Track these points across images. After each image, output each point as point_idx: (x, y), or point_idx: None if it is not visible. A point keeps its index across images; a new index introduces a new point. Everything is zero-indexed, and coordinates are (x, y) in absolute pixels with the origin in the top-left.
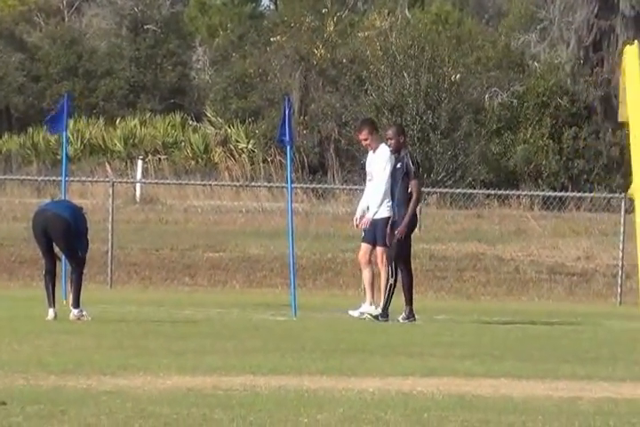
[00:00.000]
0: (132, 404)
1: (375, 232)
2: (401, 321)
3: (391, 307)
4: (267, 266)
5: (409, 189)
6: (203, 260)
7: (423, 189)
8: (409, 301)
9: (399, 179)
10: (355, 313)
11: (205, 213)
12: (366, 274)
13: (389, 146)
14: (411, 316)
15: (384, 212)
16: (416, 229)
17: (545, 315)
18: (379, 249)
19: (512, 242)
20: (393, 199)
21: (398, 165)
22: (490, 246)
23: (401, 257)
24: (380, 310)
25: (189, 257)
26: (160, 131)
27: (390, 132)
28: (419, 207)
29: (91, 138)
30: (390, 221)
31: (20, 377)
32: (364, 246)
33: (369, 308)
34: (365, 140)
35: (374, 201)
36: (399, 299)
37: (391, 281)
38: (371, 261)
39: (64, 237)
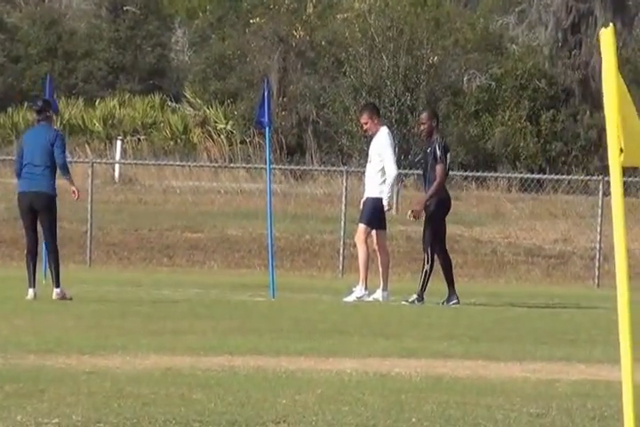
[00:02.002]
0: (110, 383)
1: (364, 210)
2: (447, 304)
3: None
4: (245, 247)
5: (435, 173)
6: (181, 240)
7: (401, 170)
8: (451, 283)
9: (430, 163)
10: (350, 298)
11: (184, 194)
12: (361, 254)
13: (422, 130)
14: (453, 299)
15: (374, 192)
16: (393, 211)
17: (523, 297)
18: (359, 226)
19: (490, 224)
20: (425, 183)
21: (428, 150)
22: (467, 228)
23: (437, 241)
24: (363, 292)
25: (168, 237)
26: (139, 112)
27: (424, 117)
28: (396, 188)
29: (70, 118)
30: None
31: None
32: (361, 227)
33: (361, 290)
34: (365, 124)
35: (372, 181)
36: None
37: (427, 267)
38: (366, 242)
39: (49, 213)
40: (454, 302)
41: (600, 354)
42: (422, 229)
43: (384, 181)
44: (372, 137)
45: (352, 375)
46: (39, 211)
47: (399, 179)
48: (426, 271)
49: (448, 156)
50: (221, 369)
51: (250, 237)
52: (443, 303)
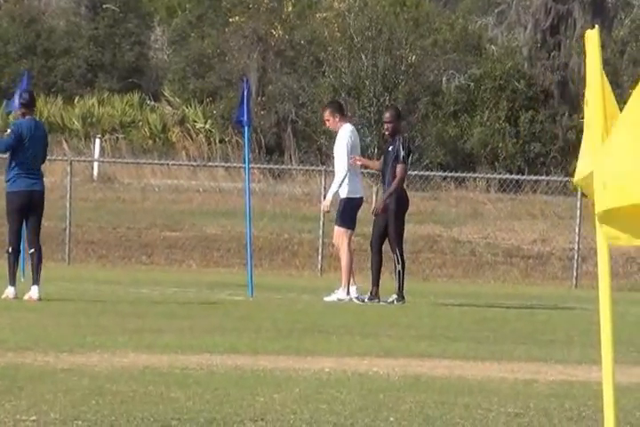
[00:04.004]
0: (88, 381)
1: (337, 211)
2: (389, 301)
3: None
4: (223, 246)
5: (396, 172)
6: (160, 239)
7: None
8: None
9: (390, 162)
10: (330, 298)
11: (162, 193)
12: (343, 257)
13: (386, 129)
14: (374, 298)
15: (343, 192)
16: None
17: (501, 297)
18: (335, 229)
19: (468, 224)
20: (384, 181)
21: (390, 148)
22: (446, 228)
23: (400, 239)
24: (345, 296)
25: (146, 236)
26: (118, 110)
27: (388, 116)
28: (375, 188)
29: (49, 116)
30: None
31: None
32: (336, 229)
33: (342, 293)
34: (327, 120)
35: (334, 181)
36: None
37: (399, 267)
38: (349, 244)
39: (41, 211)
40: (371, 298)
41: (578, 355)
42: (383, 229)
43: (349, 180)
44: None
45: (330, 374)
46: (33, 209)
47: (378, 179)
48: (399, 271)
49: (410, 156)
50: (199, 368)
51: (228, 236)
52: (392, 302)
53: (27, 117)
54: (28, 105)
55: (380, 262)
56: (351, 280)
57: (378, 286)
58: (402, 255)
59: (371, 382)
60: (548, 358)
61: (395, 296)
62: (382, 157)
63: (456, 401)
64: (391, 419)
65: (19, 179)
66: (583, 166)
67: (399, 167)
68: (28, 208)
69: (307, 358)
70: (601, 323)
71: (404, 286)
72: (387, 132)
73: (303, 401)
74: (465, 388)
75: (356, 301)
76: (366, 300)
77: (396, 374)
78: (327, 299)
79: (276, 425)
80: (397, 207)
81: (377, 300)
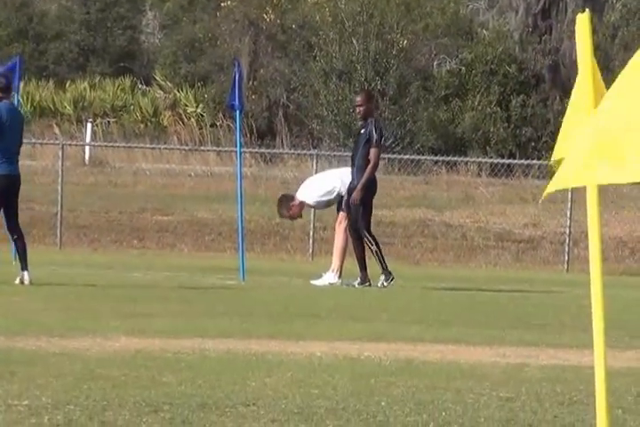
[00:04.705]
0: (80, 365)
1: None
2: (379, 285)
3: (344, 270)
4: (215, 230)
5: (369, 156)
6: (151, 223)
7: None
8: (338, 263)
9: (361, 145)
10: (319, 282)
11: (154, 177)
12: (340, 241)
13: (359, 112)
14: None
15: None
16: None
17: (492, 281)
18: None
19: (460, 208)
20: (353, 165)
21: (362, 131)
22: (437, 213)
23: (367, 222)
24: (336, 279)
25: (138, 220)
26: (109, 94)
27: (359, 99)
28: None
29: (41, 100)
30: (348, 188)
31: None
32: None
33: (334, 276)
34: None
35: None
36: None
37: (374, 248)
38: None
39: (18, 196)
40: (361, 282)
41: (569, 339)
42: (351, 213)
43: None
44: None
45: (322, 359)
46: (13, 194)
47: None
48: (376, 252)
49: (382, 139)
50: (191, 352)
51: (220, 220)
52: (353, 285)
53: (3, 101)
54: (5, 89)
55: (362, 246)
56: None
57: (366, 269)
58: (373, 236)
59: (362, 366)
60: (540, 343)
61: (382, 278)
62: (354, 141)
63: (448, 386)
64: (383, 404)
65: (4, 164)
66: (562, 148)
67: (372, 151)
68: (9, 193)
69: (298, 343)
70: (592, 307)
71: (386, 263)
72: (359, 115)
73: (295, 386)
74: (457, 372)
75: (344, 286)
76: (357, 285)
77: (388, 359)
78: (315, 282)
79: (267, 410)
80: (366, 191)
81: (368, 283)
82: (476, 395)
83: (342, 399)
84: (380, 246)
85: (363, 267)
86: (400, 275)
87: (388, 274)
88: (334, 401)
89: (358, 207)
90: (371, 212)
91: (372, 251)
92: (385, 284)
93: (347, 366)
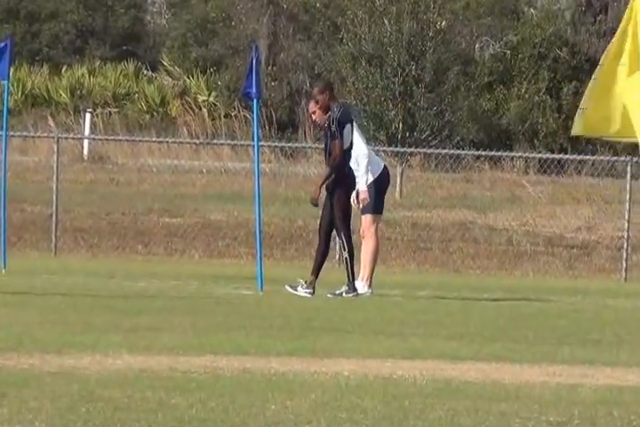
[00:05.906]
0: (78, 386)
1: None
2: (337, 293)
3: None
4: (230, 234)
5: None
6: (158, 226)
7: (407, 148)
8: (316, 271)
9: (328, 140)
10: (342, 293)
11: (161, 174)
12: (371, 247)
13: (319, 107)
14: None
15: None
16: (397, 195)
17: (541, 292)
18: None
19: (505, 210)
20: (326, 162)
21: (326, 125)
22: (480, 214)
23: (346, 223)
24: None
25: (143, 223)
26: (111, 81)
27: (315, 91)
28: (400, 169)
29: (33, 88)
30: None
31: None
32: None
33: (364, 286)
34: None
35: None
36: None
37: (345, 255)
38: (377, 233)
39: None
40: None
41: (627, 356)
42: (326, 214)
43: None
44: None
45: (349, 378)
46: None
47: (404, 158)
48: (346, 259)
49: (347, 127)
50: (203, 371)
51: (235, 223)
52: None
53: None
54: None
55: (325, 252)
56: (357, 274)
57: (317, 276)
58: (349, 241)
59: (395, 387)
60: (595, 361)
61: (344, 288)
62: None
63: (491, 408)
64: None
65: None
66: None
67: (334, 145)
68: None
69: (323, 361)
70: None
71: (354, 275)
72: (321, 111)
73: (320, 409)
74: (501, 393)
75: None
76: (300, 290)
77: (424, 378)
78: (330, 296)
79: None
80: (337, 188)
81: (311, 290)
82: (522, 419)
83: (373, 424)
84: (353, 255)
85: (315, 271)
86: (438, 284)
87: (351, 289)
88: (364, 426)
89: (336, 202)
90: (349, 213)
91: (342, 257)
92: (344, 294)
93: (378, 387)
